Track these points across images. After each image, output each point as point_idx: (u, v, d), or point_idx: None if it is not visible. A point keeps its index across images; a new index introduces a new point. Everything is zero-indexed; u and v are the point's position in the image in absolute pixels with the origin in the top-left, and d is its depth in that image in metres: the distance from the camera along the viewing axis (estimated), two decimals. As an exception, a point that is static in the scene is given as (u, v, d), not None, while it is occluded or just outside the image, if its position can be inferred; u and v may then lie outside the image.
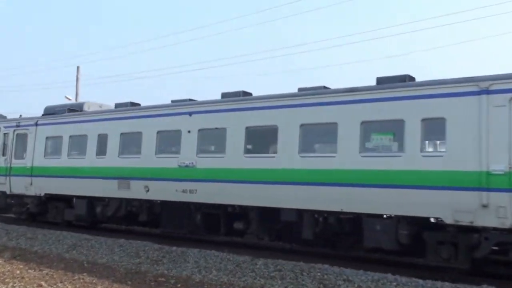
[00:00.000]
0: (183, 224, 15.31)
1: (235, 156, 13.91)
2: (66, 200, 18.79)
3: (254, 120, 13.84)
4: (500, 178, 10.14)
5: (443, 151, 11.20)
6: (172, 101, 16.31)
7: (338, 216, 12.48)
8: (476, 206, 10.34)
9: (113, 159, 16.83)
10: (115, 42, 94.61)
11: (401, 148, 11.58)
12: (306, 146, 12.96)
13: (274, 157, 13.27)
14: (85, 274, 11.30)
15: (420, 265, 12.51)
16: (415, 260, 12.78)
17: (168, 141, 15.82)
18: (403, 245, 11.57)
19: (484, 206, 10.25)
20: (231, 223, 14.43)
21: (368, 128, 12.03)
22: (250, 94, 14.97)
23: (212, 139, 15.10)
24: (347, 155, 12.07)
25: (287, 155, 13.00)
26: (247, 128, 13.86)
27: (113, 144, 16.92)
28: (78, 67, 36.78)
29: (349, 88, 12.56)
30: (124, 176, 16.30)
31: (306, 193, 12.55)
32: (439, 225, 11.05)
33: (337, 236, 12.96)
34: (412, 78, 12.23)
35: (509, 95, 10.34)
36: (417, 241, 11.42)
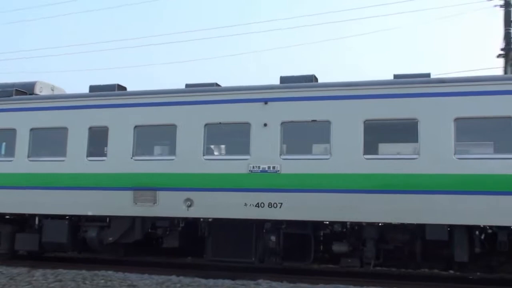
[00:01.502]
0: None
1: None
2: (17, 222, 13.51)
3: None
4: None
5: None
6: None
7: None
8: None
9: (121, 162, 12.44)
10: None
11: None
12: None
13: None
14: None
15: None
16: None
17: None
18: None
19: None
20: None
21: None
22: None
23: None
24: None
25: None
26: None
27: (118, 141, 12.57)
28: None
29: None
30: (146, 186, 12.16)
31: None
32: None
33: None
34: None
35: None
36: None
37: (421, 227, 10.72)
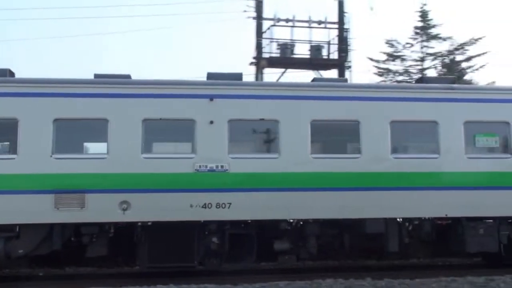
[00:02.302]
0: None
1: None
2: None
3: None
4: None
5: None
6: None
7: None
8: None
9: (36, 161, 10.74)
10: None
11: None
12: None
13: None
14: None
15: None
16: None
17: None
18: None
19: None
20: None
21: None
22: None
23: None
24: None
25: None
26: None
27: (33, 136, 10.81)
28: None
29: None
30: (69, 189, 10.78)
31: None
32: None
33: None
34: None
35: None
36: None
37: (361, 222, 11.44)
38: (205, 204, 10.81)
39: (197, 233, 11.18)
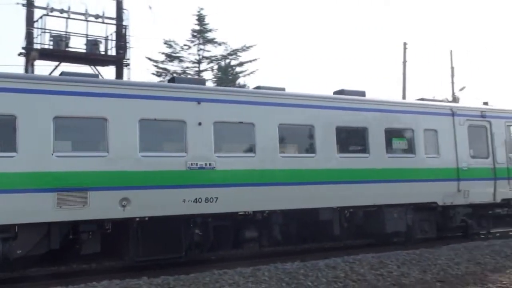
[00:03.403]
0: None
1: None
2: None
3: None
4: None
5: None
6: None
7: None
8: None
9: (37, 159, 10.67)
10: None
11: None
12: None
13: None
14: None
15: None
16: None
17: None
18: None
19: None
20: None
21: None
22: None
23: None
24: None
25: None
26: None
27: (32, 134, 10.69)
28: None
29: None
30: (73, 187, 10.83)
31: None
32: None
33: None
34: None
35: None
36: None
37: (315, 211, 13.57)
38: (196, 199, 11.88)
39: (183, 226, 12.15)
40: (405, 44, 33.98)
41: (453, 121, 16.13)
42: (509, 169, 16.89)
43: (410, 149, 15.36)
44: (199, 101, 12.30)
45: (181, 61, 34.94)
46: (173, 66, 34.89)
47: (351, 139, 14.86)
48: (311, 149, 13.85)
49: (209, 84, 32.72)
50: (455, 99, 32.30)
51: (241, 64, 35.58)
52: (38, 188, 10.48)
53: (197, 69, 35.02)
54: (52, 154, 10.73)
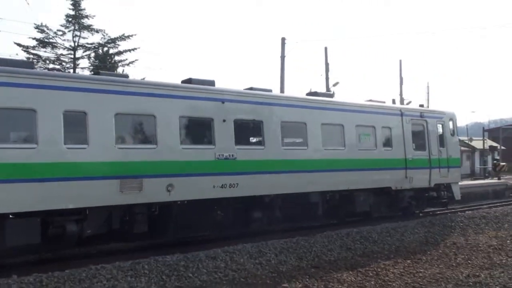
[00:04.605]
0: None
1: None
2: None
3: None
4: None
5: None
6: None
7: None
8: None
9: (105, 151, 12.01)
10: None
11: None
12: None
13: None
14: None
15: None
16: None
17: None
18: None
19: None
20: None
21: None
22: None
23: None
24: None
25: None
26: None
27: (101, 128, 11.98)
28: None
29: None
30: (132, 174, 12.36)
31: None
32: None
33: None
34: None
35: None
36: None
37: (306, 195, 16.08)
38: (222, 185, 13.86)
39: (211, 208, 14.09)
40: (283, 39, 34.84)
41: (402, 120, 19.12)
42: (439, 159, 20.22)
43: (373, 143, 18.07)
44: (223, 101, 14.12)
45: (54, 47, 33.01)
46: (46, 53, 32.87)
47: (330, 137, 16.94)
48: (304, 143, 16.10)
49: (86, 72, 31.72)
50: (330, 94, 33.99)
51: (120, 53, 34.61)
52: (105, 176, 11.95)
53: (72, 56, 33.32)
54: (115, 146, 12.15)
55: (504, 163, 41.16)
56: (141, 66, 59.13)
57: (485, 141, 56.91)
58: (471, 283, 10.47)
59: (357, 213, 17.89)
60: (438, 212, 21.08)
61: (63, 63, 33.21)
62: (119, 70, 33.55)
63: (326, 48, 38.83)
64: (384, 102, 19.94)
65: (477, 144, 57.84)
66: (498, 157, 50.51)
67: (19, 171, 10.77)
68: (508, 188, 32.78)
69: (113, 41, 34.01)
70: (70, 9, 32.65)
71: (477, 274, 11.37)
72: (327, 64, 38.67)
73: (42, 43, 32.77)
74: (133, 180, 12.28)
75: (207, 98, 13.92)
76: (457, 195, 21.24)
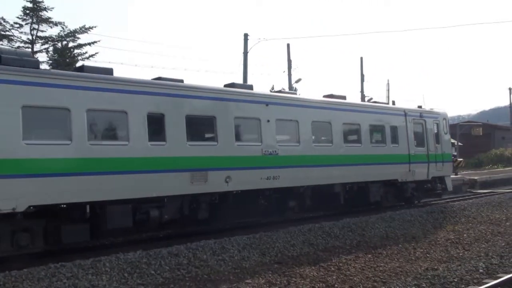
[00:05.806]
0: None
1: None
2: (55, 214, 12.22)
3: None
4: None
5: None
6: None
7: None
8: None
9: (178, 147, 13.91)
10: None
11: None
12: None
13: None
14: None
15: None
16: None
17: None
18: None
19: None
20: None
21: None
22: None
23: None
24: None
25: None
26: None
27: (174, 127, 13.94)
28: None
29: None
30: (200, 168, 14.27)
31: None
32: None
33: None
34: None
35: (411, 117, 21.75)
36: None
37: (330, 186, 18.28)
38: (268, 177, 15.76)
39: (258, 197, 16.17)
40: (246, 35, 34.85)
41: (406, 119, 21.46)
42: (436, 155, 22.77)
43: (383, 140, 20.46)
44: (267, 103, 16.10)
45: (11, 40, 32.09)
46: (2, 46, 31.85)
47: (350, 135, 19.41)
48: (329, 140, 18.18)
49: (45, 67, 30.94)
50: (292, 90, 34.01)
51: (79, 46, 33.95)
52: (180, 169, 13.76)
53: (30, 49, 32.40)
54: (186, 143, 13.93)
55: (461, 159, 42.22)
56: (102, 60, 57.98)
57: (443, 137, 58.03)
58: (429, 276, 10.66)
59: (371, 202, 20.14)
60: (402, 208, 21.56)
61: (20, 56, 32.30)
62: (79, 64, 32.79)
63: (288, 45, 39.03)
64: (387, 104, 23.53)
65: (436, 140, 58.95)
66: (455, 153, 51.77)
67: (115, 164, 12.58)
68: (465, 184, 33.63)
69: (72, 34, 33.26)
70: (27, 1, 31.77)
71: (436, 267, 11.61)
72: (289, 61, 38.87)
73: (-2, 35, 31.80)
74: (201, 173, 14.16)
75: (253, 101, 15.85)
76: (450, 186, 24.06)
